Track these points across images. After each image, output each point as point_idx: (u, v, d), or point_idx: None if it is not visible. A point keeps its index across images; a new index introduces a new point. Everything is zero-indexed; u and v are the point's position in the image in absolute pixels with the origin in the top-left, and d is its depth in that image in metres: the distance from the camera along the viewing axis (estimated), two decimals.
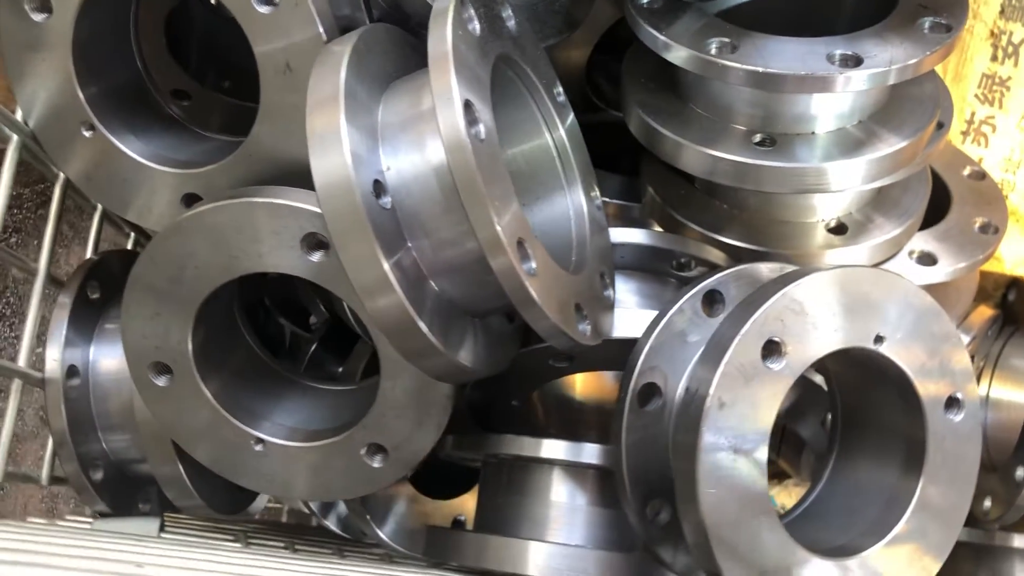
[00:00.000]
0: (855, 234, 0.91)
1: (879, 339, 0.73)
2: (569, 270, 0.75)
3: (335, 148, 0.64)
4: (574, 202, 0.82)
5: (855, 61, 0.75)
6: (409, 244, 0.69)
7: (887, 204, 0.94)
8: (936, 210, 1.01)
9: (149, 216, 0.84)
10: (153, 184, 0.83)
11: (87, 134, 0.82)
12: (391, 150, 0.68)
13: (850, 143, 0.82)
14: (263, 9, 0.74)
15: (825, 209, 0.92)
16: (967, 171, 1.08)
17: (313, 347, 1.11)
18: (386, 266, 0.64)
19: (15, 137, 0.84)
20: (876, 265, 0.93)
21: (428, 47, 0.64)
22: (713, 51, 0.78)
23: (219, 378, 0.83)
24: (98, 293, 0.97)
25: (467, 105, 0.62)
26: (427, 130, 0.67)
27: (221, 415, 0.82)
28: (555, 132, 0.82)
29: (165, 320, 0.79)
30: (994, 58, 1.11)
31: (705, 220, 0.93)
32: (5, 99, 0.85)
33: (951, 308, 1.09)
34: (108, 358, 0.96)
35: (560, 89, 0.85)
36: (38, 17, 0.78)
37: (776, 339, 0.69)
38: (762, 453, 0.70)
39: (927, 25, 0.79)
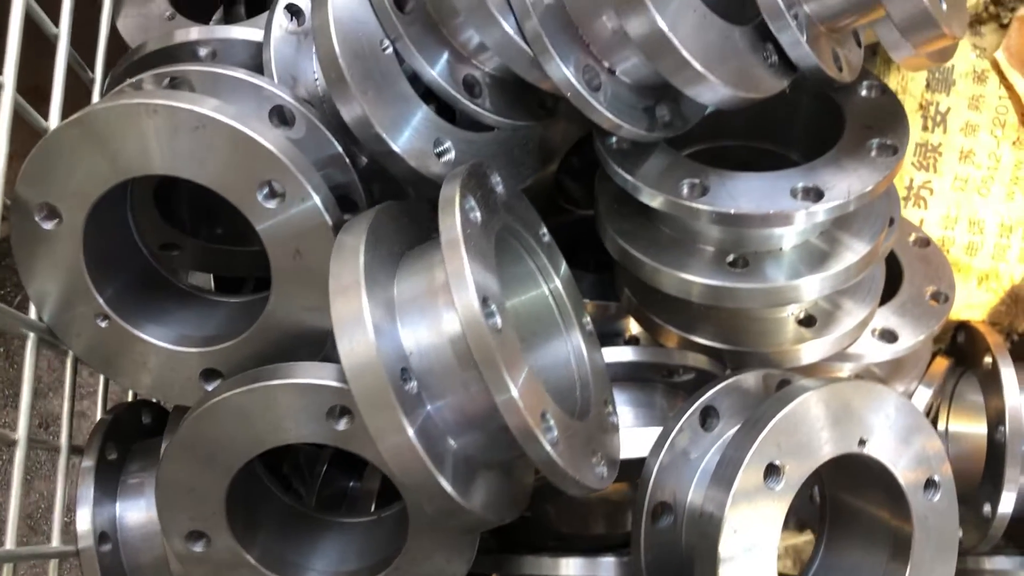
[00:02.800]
0: (824, 324, 0.98)
1: (862, 442, 0.81)
2: (575, 415, 0.81)
3: (361, 334, 0.70)
4: (573, 344, 0.88)
5: (816, 195, 0.82)
6: (429, 408, 0.74)
7: (851, 288, 1.02)
8: (889, 280, 1.10)
9: (170, 393, 0.88)
10: (173, 364, 0.87)
11: (102, 324, 0.86)
12: (411, 331, 0.74)
13: (816, 256, 0.89)
14: (270, 204, 0.79)
15: (795, 304, 0.99)
16: (912, 238, 1.17)
17: (324, 467, 1.15)
18: (411, 434, 0.70)
19: (31, 335, 0.87)
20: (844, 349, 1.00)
21: (441, 240, 0.70)
22: (684, 193, 0.84)
23: (254, 538, 0.88)
24: (115, 453, 1.00)
25: (484, 301, 0.68)
26: (446, 317, 0.73)
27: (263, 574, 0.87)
28: (551, 283, 0.88)
29: (199, 495, 0.83)
30: (925, 127, 1.21)
31: (680, 321, 1.00)
32: None
33: (914, 366, 1.18)
34: (134, 514, 0.99)
35: (544, 230, 0.91)
36: (48, 225, 0.82)
37: (776, 463, 0.76)
38: (771, 559, 0.78)
39: (875, 147, 0.86)
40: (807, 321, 0.99)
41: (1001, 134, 1.21)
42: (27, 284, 0.85)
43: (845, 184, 0.83)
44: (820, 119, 0.94)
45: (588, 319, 0.93)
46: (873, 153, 0.86)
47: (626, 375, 0.97)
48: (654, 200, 0.85)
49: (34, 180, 0.80)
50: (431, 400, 0.75)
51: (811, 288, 0.88)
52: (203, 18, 1.17)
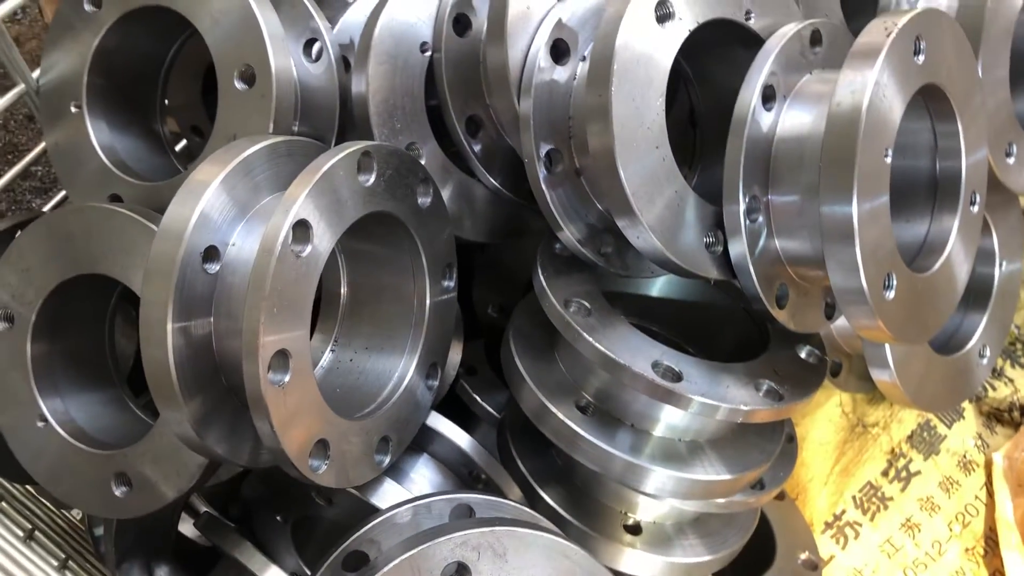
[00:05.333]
0: (652, 541, 0.93)
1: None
2: (349, 417, 0.81)
3: (194, 200, 0.73)
4: (403, 374, 0.89)
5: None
6: (211, 319, 0.76)
7: (706, 530, 0.96)
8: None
9: None
10: None
11: None
12: (246, 232, 0.77)
13: (674, 456, 0.86)
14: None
15: (632, 505, 0.94)
16: (803, 557, 1.08)
17: None
18: (170, 326, 0.72)
19: None
20: None
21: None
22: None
23: None
24: None
25: (302, 224, 0.71)
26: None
27: None
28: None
29: None
30: (884, 473, 1.14)
31: (536, 469, 0.97)
32: None
33: None
34: None
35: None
36: None
37: None
38: None
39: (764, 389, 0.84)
40: (633, 529, 0.94)
41: (959, 532, 1.12)
42: None
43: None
44: (747, 347, 0.92)
45: (437, 381, 0.93)
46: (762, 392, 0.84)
47: (448, 456, 0.95)
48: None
49: None
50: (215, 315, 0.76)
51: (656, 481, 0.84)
52: None
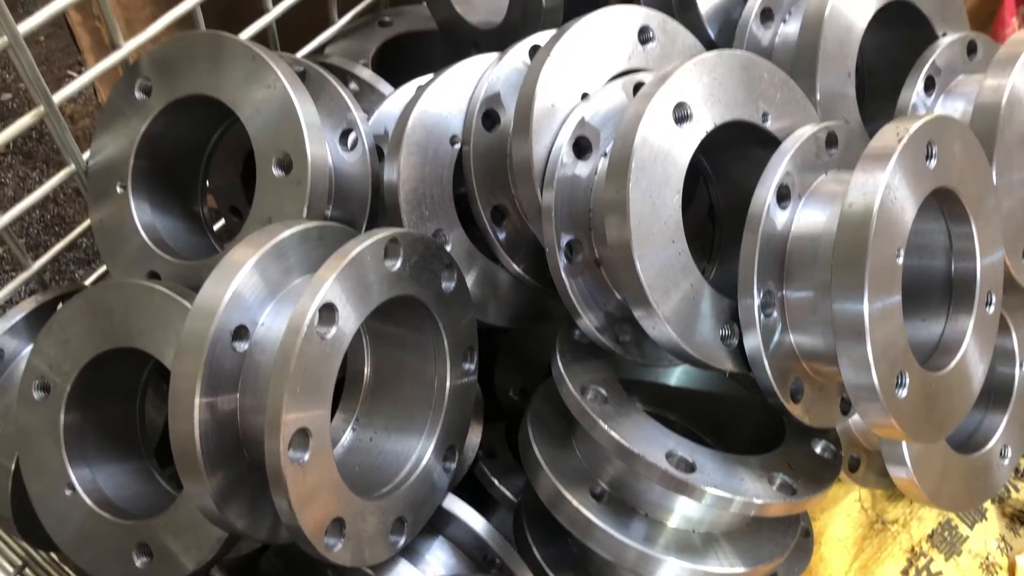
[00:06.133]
0: None
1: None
2: (366, 496, 0.82)
3: (227, 281, 0.77)
4: (421, 455, 0.90)
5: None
6: (237, 395, 0.78)
7: None
8: None
9: None
10: None
11: None
12: (275, 313, 0.80)
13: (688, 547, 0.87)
14: None
15: None
16: None
17: None
18: (197, 401, 0.74)
19: None
20: None
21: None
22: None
23: None
24: None
25: (328, 307, 0.74)
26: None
27: None
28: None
29: None
30: (905, 573, 1.12)
31: (551, 556, 0.97)
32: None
33: None
34: None
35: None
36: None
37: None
38: None
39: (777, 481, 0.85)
40: None
41: None
42: None
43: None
44: (764, 439, 0.93)
45: (455, 464, 0.94)
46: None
47: (463, 539, 0.96)
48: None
49: None
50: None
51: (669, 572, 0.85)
52: None
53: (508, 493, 1.07)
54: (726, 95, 0.83)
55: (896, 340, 0.75)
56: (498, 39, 1.16)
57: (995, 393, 1.09)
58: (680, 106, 0.80)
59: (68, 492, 0.92)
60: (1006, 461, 1.06)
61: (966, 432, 1.07)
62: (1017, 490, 1.18)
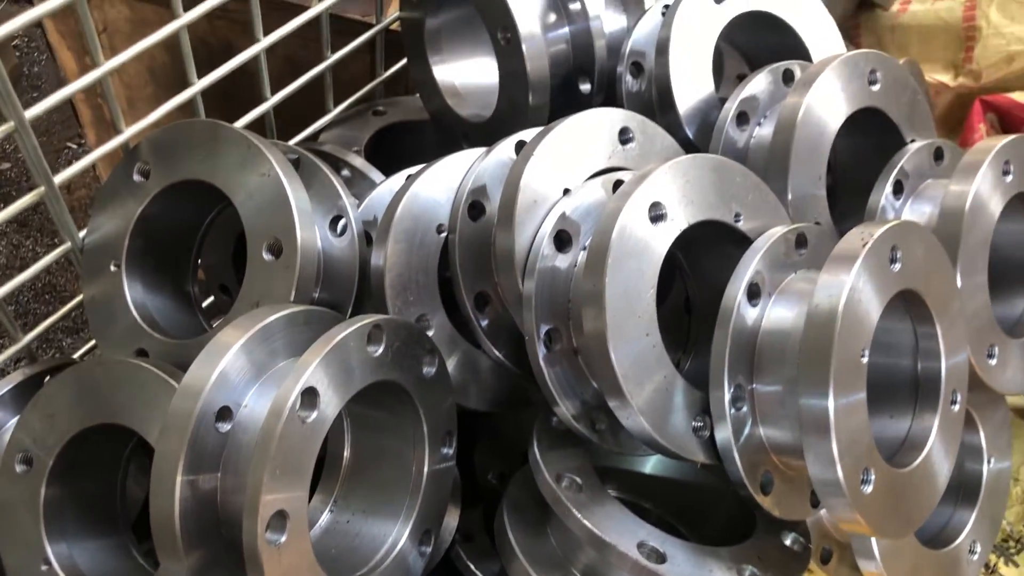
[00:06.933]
0: None
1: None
2: None
3: (213, 363, 0.79)
4: (397, 538, 0.92)
5: None
6: (218, 475, 0.80)
7: None
8: None
9: None
10: None
11: None
12: (258, 395, 0.82)
13: None
14: None
15: None
16: None
17: None
18: (179, 479, 0.76)
19: None
20: None
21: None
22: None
23: None
24: None
25: (310, 391, 0.76)
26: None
27: None
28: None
29: None
30: None
31: None
32: None
33: None
34: None
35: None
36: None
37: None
38: None
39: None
40: None
41: None
42: None
43: None
44: (736, 528, 0.94)
45: (430, 548, 0.95)
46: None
47: None
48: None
49: None
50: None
51: None
52: None
53: None
54: (699, 196, 0.87)
55: (861, 437, 0.77)
56: (487, 132, 1.20)
57: (964, 489, 1.10)
58: (656, 205, 0.84)
59: (44, 567, 0.92)
60: (975, 556, 1.08)
61: (936, 527, 1.09)
62: None
